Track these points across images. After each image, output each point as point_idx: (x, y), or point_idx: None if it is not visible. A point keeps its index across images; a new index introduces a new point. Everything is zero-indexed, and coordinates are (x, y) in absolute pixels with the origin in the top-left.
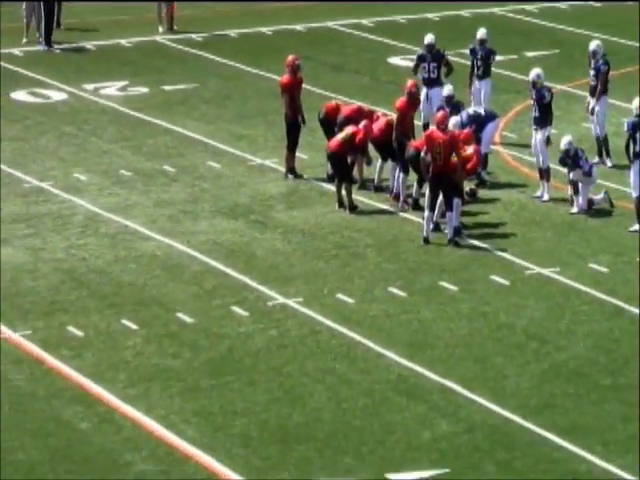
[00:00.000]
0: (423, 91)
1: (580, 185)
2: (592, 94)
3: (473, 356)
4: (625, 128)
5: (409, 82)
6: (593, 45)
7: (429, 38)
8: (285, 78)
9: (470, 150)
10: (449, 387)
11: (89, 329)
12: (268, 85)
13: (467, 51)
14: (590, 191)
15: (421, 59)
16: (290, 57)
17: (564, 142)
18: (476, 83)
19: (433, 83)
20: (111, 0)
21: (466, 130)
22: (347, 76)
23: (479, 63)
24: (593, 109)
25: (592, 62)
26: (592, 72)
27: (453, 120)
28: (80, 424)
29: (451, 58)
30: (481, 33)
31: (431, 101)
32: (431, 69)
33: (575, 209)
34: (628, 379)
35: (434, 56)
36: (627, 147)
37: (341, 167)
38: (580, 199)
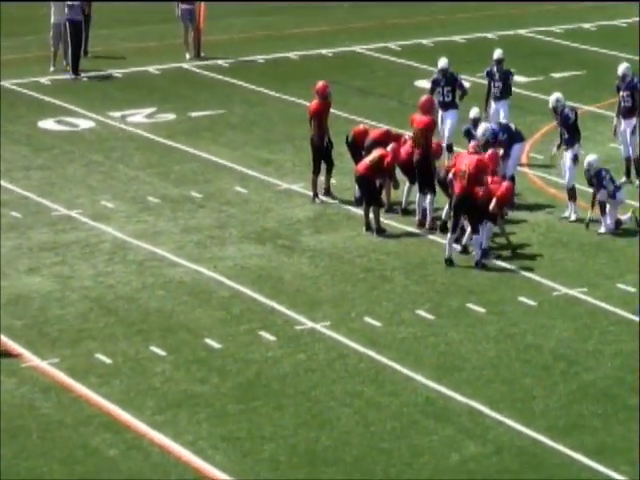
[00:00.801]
0: (439, 114)
1: (607, 206)
2: (624, 115)
3: (501, 377)
4: None
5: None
6: (622, 68)
7: (442, 62)
8: (315, 104)
9: (504, 183)
10: (477, 409)
11: (117, 356)
12: (295, 110)
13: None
14: (617, 211)
15: (436, 83)
16: (320, 83)
17: (585, 163)
18: (493, 105)
19: (448, 106)
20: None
21: (491, 151)
22: (374, 100)
23: (497, 84)
24: (623, 130)
25: (622, 84)
26: (626, 93)
27: (483, 127)
28: (108, 451)
29: (477, 80)
30: (497, 54)
31: (445, 123)
32: (445, 93)
33: (603, 229)
34: None
35: (448, 80)
36: None
37: (369, 190)
38: (608, 219)
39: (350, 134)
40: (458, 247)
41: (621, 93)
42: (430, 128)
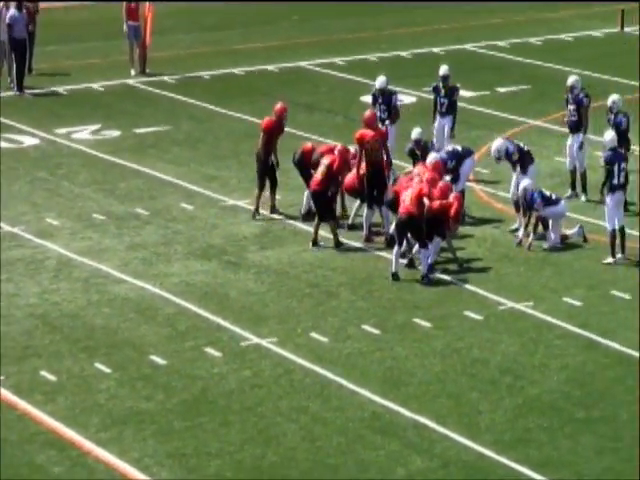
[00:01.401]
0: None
1: (550, 221)
2: (570, 129)
3: (447, 392)
4: (603, 162)
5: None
6: (571, 80)
7: (380, 81)
8: (269, 121)
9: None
10: (423, 423)
11: (62, 373)
12: (240, 126)
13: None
14: (561, 225)
15: (375, 99)
16: (280, 105)
17: (520, 188)
18: (439, 120)
19: (383, 123)
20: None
21: (443, 183)
22: (320, 115)
23: (442, 100)
24: (571, 144)
25: (570, 97)
26: (572, 107)
27: (432, 156)
28: (53, 468)
29: (423, 95)
30: (443, 70)
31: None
32: (382, 110)
33: (547, 244)
34: (602, 412)
35: (385, 99)
36: (606, 180)
37: (325, 205)
38: (552, 234)
39: (298, 152)
40: (404, 261)
41: (569, 106)
42: (384, 138)
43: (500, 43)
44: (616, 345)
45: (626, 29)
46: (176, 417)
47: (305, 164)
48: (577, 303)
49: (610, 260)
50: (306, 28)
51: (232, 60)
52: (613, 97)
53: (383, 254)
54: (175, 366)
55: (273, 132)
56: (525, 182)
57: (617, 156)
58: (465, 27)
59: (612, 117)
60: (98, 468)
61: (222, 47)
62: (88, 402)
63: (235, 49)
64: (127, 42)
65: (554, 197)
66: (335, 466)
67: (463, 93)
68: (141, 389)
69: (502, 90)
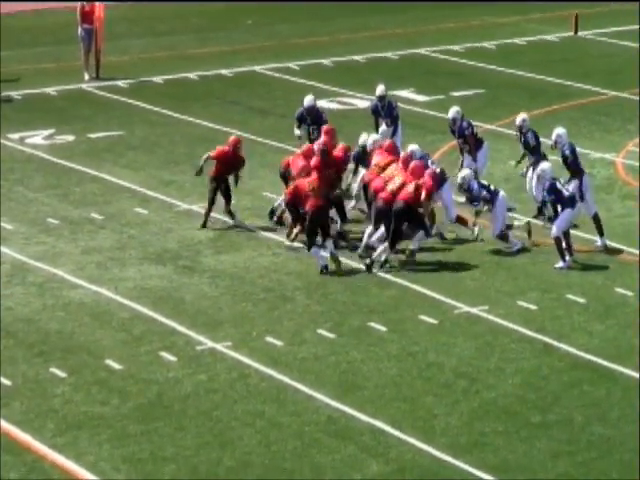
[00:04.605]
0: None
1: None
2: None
3: (402, 396)
4: (546, 194)
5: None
6: (452, 112)
7: (308, 100)
8: (220, 151)
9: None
10: (379, 428)
11: (17, 378)
12: (195, 131)
13: (395, 93)
14: (499, 219)
15: (300, 120)
16: (233, 138)
17: (459, 177)
18: (383, 126)
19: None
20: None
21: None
22: (274, 120)
23: (384, 120)
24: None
25: (455, 129)
26: (460, 140)
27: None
28: (9, 474)
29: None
30: (380, 90)
31: None
32: (312, 130)
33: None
34: (557, 416)
35: (314, 118)
36: (554, 213)
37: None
38: (494, 224)
39: (281, 166)
40: (362, 267)
41: (456, 140)
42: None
43: (454, 47)
44: (571, 349)
45: (580, 33)
46: (131, 422)
47: (288, 175)
48: (532, 307)
49: (561, 264)
50: (260, 32)
51: (186, 65)
52: (522, 116)
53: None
54: (130, 370)
55: (226, 162)
56: (464, 172)
57: (555, 184)
58: (419, 31)
59: (521, 135)
60: (54, 473)
61: (176, 52)
62: (43, 407)
63: (189, 54)
64: (81, 46)
65: (492, 188)
66: (291, 470)
67: (417, 97)
68: (96, 394)
69: (456, 94)
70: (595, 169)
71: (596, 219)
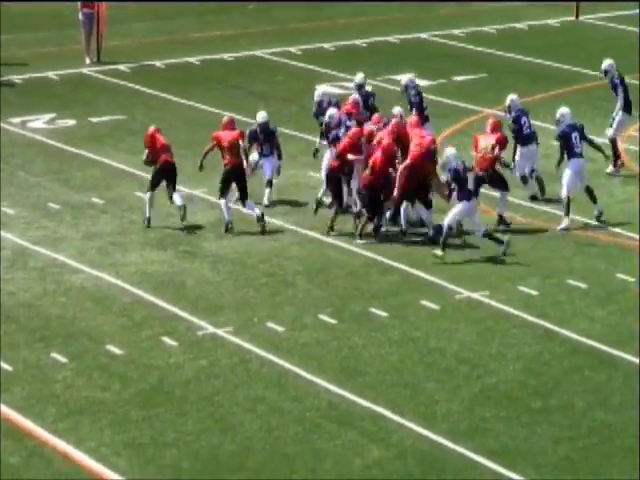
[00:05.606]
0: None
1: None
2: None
3: (404, 381)
4: (557, 136)
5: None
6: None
7: (261, 116)
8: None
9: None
10: (380, 413)
11: (18, 363)
12: (196, 115)
13: (395, 77)
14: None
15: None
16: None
17: (443, 156)
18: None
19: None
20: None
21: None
22: (275, 104)
23: (363, 111)
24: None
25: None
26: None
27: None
28: (9, 458)
29: (379, 84)
30: (359, 78)
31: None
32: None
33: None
34: (558, 401)
35: (266, 134)
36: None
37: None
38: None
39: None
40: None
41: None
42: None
43: (456, 32)
44: (572, 334)
45: (581, 17)
46: (133, 407)
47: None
48: (533, 292)
49: (566, 223)
50: (261, 17)
51: (187, 49)
52: (512, 96)
53: (339, 244)
54: (131, 356)
55: (225, 138)
56: (449, 151)
57: (570, 128)
58: (421, 16)
59: (511, 115)
60: (55, 458)
61: (177, 36)
62: (44, 392)
63: (190, 38)
64: (82, 30)
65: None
66: (292, 456)
67: (419, 82)
68: (97, 379)
69: (458, 79)
70: (597, 154)
71: (588, 190)
